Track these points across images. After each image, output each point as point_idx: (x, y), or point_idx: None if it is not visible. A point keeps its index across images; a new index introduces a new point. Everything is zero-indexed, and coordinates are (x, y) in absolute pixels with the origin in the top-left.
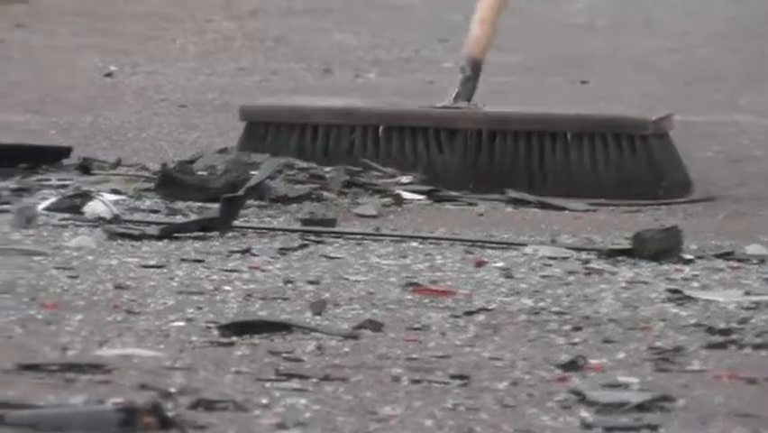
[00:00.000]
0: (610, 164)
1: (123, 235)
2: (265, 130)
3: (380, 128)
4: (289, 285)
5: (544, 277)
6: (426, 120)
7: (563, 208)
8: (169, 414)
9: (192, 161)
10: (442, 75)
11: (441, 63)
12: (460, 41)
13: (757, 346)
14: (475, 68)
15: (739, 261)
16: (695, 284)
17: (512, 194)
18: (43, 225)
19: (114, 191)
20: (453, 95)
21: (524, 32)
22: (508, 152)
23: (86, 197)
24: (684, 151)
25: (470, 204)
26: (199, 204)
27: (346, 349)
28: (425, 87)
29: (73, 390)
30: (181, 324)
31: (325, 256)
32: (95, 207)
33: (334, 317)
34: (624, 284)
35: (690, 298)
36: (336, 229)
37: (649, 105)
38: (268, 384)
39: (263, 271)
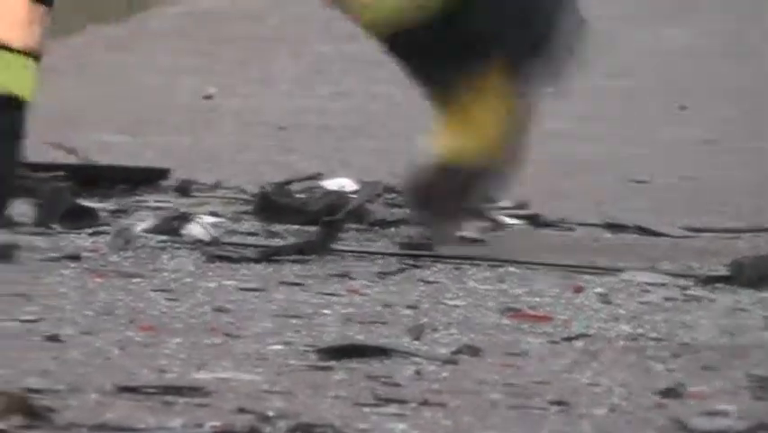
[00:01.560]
0: None
1: (222, 258)
2: None
3: None
4: (387, 309)
5: (642, 303)
6: None
7: (662, 234)
8: None
9: (289, 183)
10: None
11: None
12: None
13: None
14: None
15: None
16: None
17: (610, 219)
18: (141, 247)
19: (213, 214)
20: None
21: (623, 57)
22: None
23: (185, 219)
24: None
25: (568, 229)
26: (298, 227)
27: (444, 374)
28: None
29: (171, 413)
30: (279, 347)
31: (423, 280)
32: (193, 230)
33: (432, 342)
34: (722, 311)
35: None
36: (434, 253)
37: (732, 132)
38: (366, 409)
39: (362, 294)
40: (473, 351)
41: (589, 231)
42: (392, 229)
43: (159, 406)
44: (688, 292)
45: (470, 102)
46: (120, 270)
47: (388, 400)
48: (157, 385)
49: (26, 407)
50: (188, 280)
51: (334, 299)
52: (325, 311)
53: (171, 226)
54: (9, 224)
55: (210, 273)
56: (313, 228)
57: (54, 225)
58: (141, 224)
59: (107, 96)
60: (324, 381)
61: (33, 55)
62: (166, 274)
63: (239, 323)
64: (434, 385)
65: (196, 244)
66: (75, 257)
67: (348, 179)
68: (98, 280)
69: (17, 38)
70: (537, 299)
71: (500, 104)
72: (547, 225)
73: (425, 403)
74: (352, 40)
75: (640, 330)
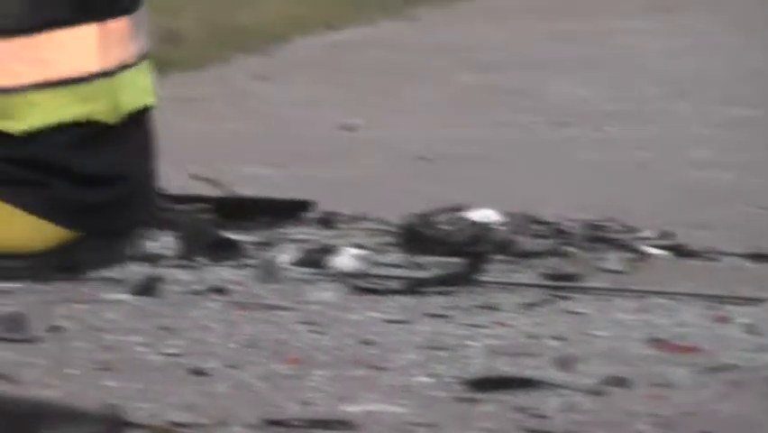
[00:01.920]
0: None
1: (367, 290)
2: None
3: None
4: (533, 340)
5: None
6: None
7: None
8: None
9: (433, 214)
10: (679, 127)
11: (678, 114)
12: (695, 92)
13: None
14: None
15: None
16: None
17: (753, 249)
18: (286, 279)
19: (357, 245)
20: None
21: (746, 84)
22: None
23: (329, 251)
24: None
25: (712, 259)
26: (442, 258)
27: (591, 405)
28: (664, 139)
29: None
30: (425, 379)
31: (569, 311)
32: (337, 262)
33: (579, 373)
34: None
35: None
36: (580, 284)
37: None
38: None
39: (507, 326)
40: (620, 382)
41: (733, 261)
42: (537, 260)
43: None
44: None
45: None
46: (264, 302)
47: (535, 432)
48: (303, 418)
49: None
50: (333, 312)
51: (480, 330)
52: (471, 343)
53: (315, 258)
54: (152, 257)
55: (355, 305)
56: (458, 260)
57: (198, 258)
58: (286, 256)
59: (250, 128)
60: (470, 413)
61: (145, 58)
62: (311, 306)
63: (384, 355)
64: (580, 417)
65: (341, 276)
66: (219, 290)
67: (492, 211)
68: (243, 312)
69: (131, 52)
70: (683, 330)
71: None
72: (691, 255)
73: None
74: (495, 69)
75: None
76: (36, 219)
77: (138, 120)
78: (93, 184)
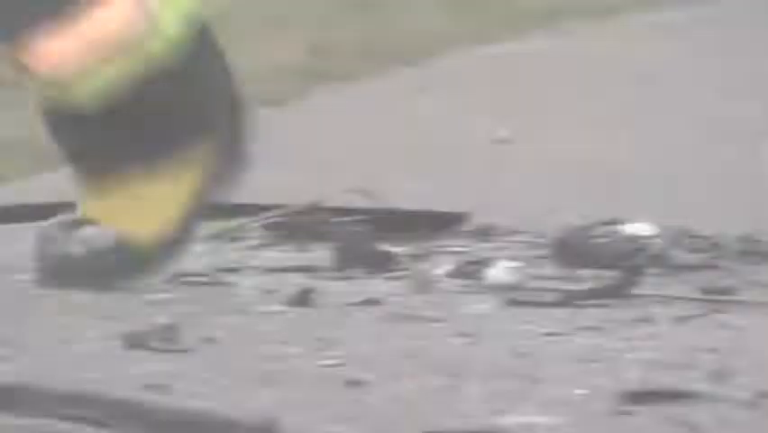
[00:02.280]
0: None
1: (522, 302)
2: None
3: None
4: (689, 353)
5: None
6: None
7: None
8: None
9: (589, 228)
10: None
11: None
12: None
13: None
14: None
15: None
16: None
17: None
18: (441, 291)
19: (512, 258)
20: None
21: None
22: None
23: (484, 263)
24: None
25: None
26: (598, 271)
27: (747, 418)
28: None
29: None
30: (580, 391)
31: (725, 325)
32: (493, 274)
33: (734, 386)
34: None
35: None
36: (736, 297)
37: None
38: None
39: (663, 339)
40: None
41: None
42: (693, 274)
43: None
44: None
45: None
46: (420, 314)
47: None
48: (460, 430)
49: None
50: (488, 324)
51: (636, 343)
52: (627, 355)
53: (470, 271)
54: (308, 268)
55: (510, 318)
56: (613, 273)
57: (353, 270)
58: (441, 268)
59: (404, 140)
60: (626, 425)
61: None
62: (466, 319)
63: (540, 367)
64: (736, 430)
65: (496, 288)
66: (374, 301)
67: (647, 224)
68: (398, 324)
69: None
70: None
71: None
72: None
73: None
74: (647, 83)
75: None
76: (165, 191)
77: (199, 38)
78: (187, 119)
